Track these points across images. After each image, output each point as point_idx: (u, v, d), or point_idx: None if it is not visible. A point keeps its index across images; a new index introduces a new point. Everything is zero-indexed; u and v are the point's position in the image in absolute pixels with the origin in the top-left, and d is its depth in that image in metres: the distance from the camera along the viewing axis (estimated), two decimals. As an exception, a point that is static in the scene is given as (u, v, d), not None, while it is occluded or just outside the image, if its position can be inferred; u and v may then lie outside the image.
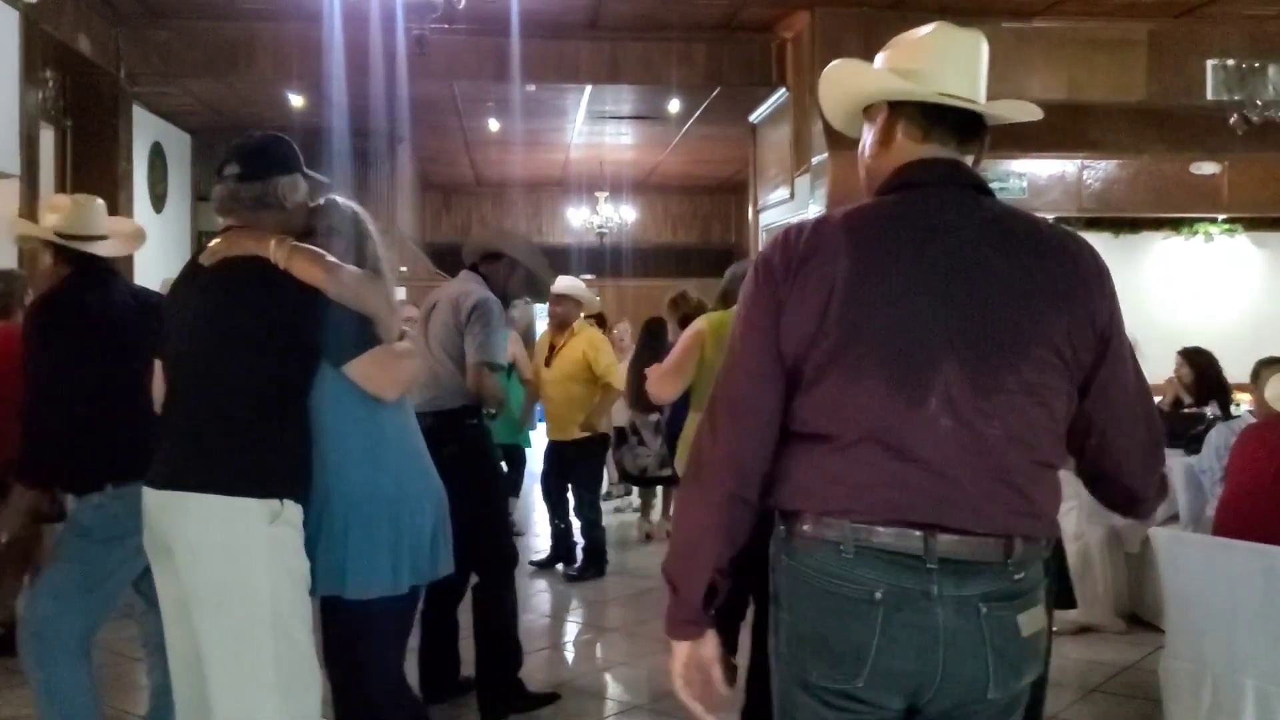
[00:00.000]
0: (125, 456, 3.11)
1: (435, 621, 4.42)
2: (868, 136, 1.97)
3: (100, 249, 3.44)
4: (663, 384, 4.23)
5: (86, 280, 3.40)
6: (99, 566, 3.32)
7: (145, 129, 11.24)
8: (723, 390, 1.87)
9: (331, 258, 2.69)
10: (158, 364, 2.89)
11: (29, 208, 8.59)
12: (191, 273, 2.82)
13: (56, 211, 3.44)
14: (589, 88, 10.91)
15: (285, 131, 2.91)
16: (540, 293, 5.12)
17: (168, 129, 12.12)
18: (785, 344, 1.81)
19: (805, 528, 1.79)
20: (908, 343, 1.75)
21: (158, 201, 11.84)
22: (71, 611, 3.31)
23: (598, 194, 16.17)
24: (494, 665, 4.31)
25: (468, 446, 4.21)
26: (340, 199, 2.94)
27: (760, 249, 1.93)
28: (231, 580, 2.57)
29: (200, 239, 13.38)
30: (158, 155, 11.85)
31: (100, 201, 3.58)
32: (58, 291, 3.38)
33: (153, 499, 2.68)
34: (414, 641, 3.08)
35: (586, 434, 7.11)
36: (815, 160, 9.51)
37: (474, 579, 4.31)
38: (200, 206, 13.31)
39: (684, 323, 5.62)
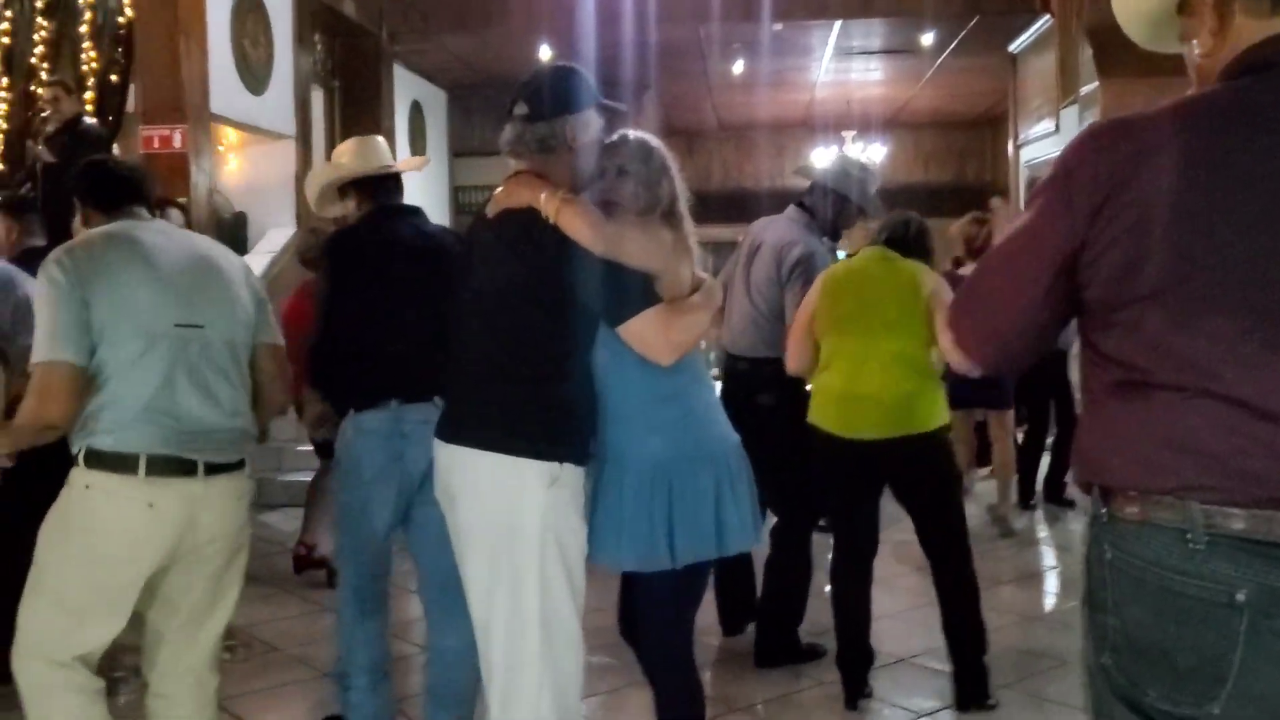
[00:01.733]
0: (400, 379, 3.18)
1: (731, 562, 4.40)
2: (1196, 34, 1.60)
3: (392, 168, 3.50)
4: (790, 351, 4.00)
5: (377, 216, 3.43)
6: (356, 508, 3.34)
7: (405, 87, 11.68)
8: (975, 291, 1.68)
9: (597, 216, 2.52)
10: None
11: (304, 166, 9.10)
12: (478, 224, 2.78)
13: (342, 156, 3.53)
14: (838, 23, 10.57)
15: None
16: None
17: (426, 87, 12.56)
18: (1087, 273, 1.51)
19: (1132, 509, 1.48)
20: (1267, 273, 1.41)
21: (418, 157, 12.31)
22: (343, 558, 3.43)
23: (844, 133, 15.74)
24: (774, 615, 4.27)
25: (784, 398, 4.09)
26: (633, 134, 2.72)
27: (1063, 152, 1.61)
28: (503, 538, 2.54)
29: (457, 194, 13.87)
30: (417, 112, 12.32)
31: (380, 138, 3.65)
32: (355, 224, 3.46)
33: (441, 451, 2.67)
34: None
35: None
36: (1084, 90, 8.89)
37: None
38: (456, 161, 13.78)
39: (954, 266, 5.33)
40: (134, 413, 2.52)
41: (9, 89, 8.48)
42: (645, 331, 2.52)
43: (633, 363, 2.59)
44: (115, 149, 7.70)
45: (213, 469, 2.61)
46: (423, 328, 3.02)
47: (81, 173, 2.88)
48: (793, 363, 3.97)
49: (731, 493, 2.67)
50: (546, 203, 2.48)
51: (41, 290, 2.55)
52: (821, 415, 3.83)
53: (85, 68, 8.30)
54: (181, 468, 2.56)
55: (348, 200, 3.47)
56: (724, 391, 4.18)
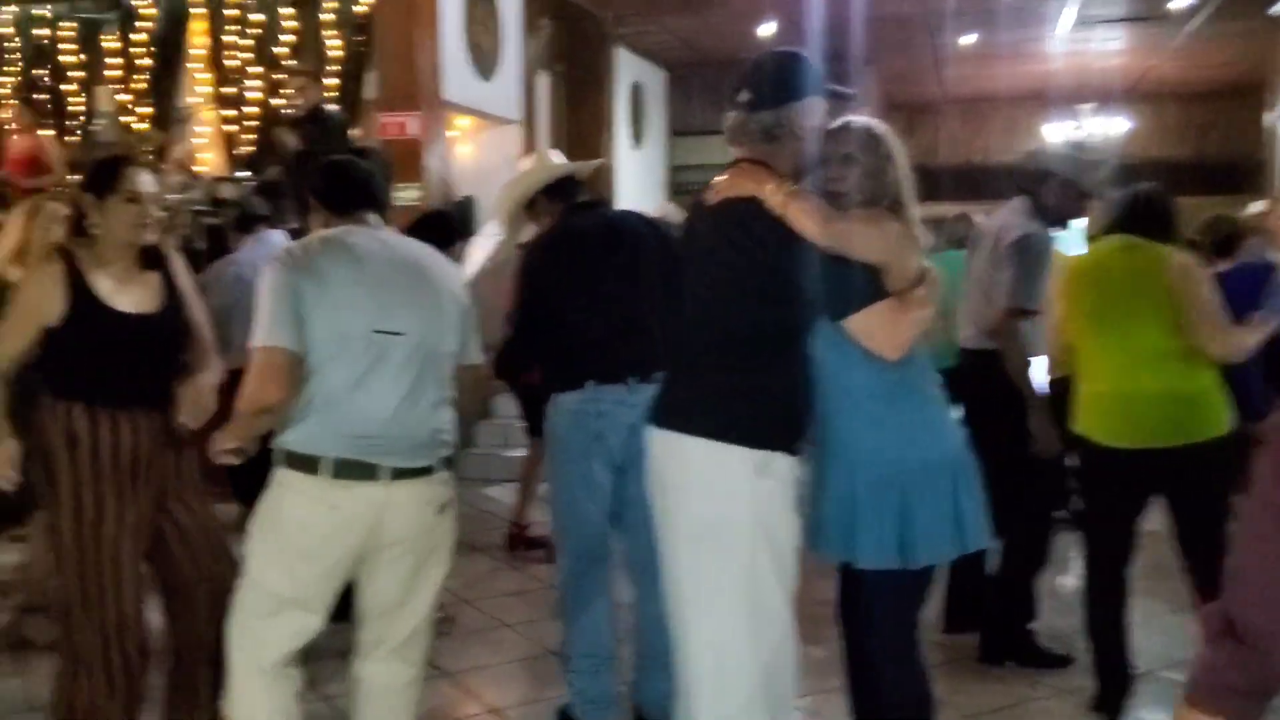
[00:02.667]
0: (596, 362, 3.28)
1: (963, 557, 4.26)
2: None
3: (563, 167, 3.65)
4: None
5: (570, 209, 3.56)
6: (565, 487, 3.45)
7: (627, 69, 11.77)
8: None
9: (826, 212, 2.44)
10: None
11: (530, 149, 9.27)
12: (696, 211, 2.75)
13: (531, 170, 3.68)
14: (1081, -9, 10.00)
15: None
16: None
17: (646, 68, 12.62)
18: None
19: None
20: None
21: (637, 139, 12.40)
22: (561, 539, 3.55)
23: (1081, 106, 14.92)
24: (1002, 608, 4.09)
25: (1005, 390, 3.89)
26: (858, 121, 2.65)
27: None
28: (711, 527, 2.51)
29: (675, 174, 13.91)
30: (637, 94, 12.39)
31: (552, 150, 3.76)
32: (550, 230, 3.56)
33: (651, 436, 2.68)
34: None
35: None
36: (1361, 53, 8.11)
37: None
38: (675, 141, 13.82)
39: (1222, 250, 4.91)
40: (323, 415, 2.58)
41: (260, 78, 9.00)
42: (871, 327, 2.46)
43: (858, 356, 2.52)
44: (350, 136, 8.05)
45: (399, 474, 2.61)
46: (616, 312, 3.09)
47: (320, 172, 2.95)
48: (1053, 368, 3.85)
49: (967, 490, 2.60)
50: (773, 195, 2.44)
51: (265, 281, 2.65)
52: (1090, 425, 3.58)
53: (327, 56, 8.72)
54: (365, 472, 2.59)
55: (538, 211, 3.58)
56: (949, 385, 4.03)
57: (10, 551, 5.23)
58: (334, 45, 8.75)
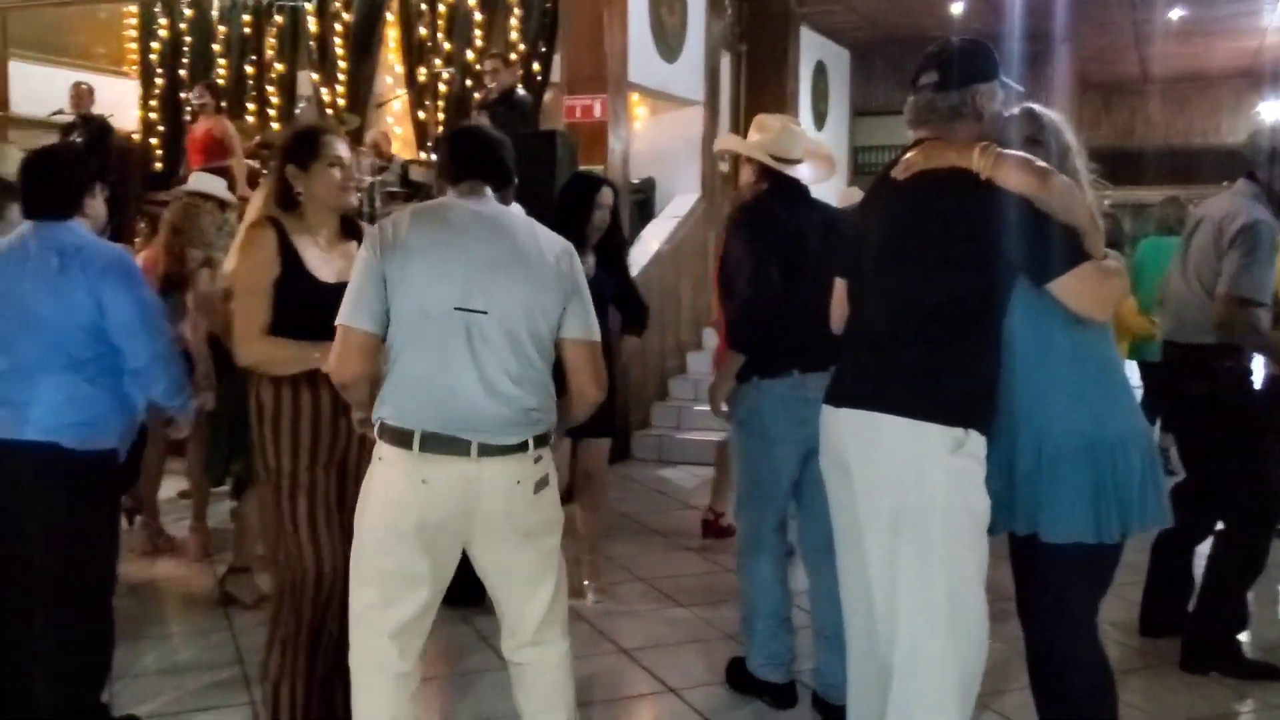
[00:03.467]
0: (801, 351, 3.32)
1: (1165, 559, 4.12)
2: None
3: (797, 172, 3.59)
4: None
5: (779, 197, 3.58)
6: (762, 465, 3.52)
7: (810, 48, 11.62)
8: None
9: (1042, 163, 2.46)
10: (838, 284, 2.85)
11: (711, 131, 9.26)
12: (882, 187, 2.71)
13: (764, 132, 3.62)
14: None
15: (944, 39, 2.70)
16: None
17: (829, 47, 12.44)
18: None
19: None
20: None
21: (819, 119, 12.23)
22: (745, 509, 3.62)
23: (1297, 85, 13.97)
24: (1208, 616, 3.90)
25: (1222, 387, 3.73)
26: (1037, 107, 2.69)
27: None
28: (907, 507, 2.47)
29: (857, 154, 13.68)
30: (820, 73, 12.22)
31: (800, 128, 3.68)
32: (754, 203, 3.60)
33: (832, 417, 2.65)
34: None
35: None
36: None
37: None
38: (856, 121, 13.58)
39: None
40: (412, 390, 2.56)
41: (450, 63, 9.24)
42: (1081, 286, 2.46)
43: (1059, 324, 2.51)
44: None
45: (488, 450, 2.55)
46: (820, 303, 3.04)
47: (444, 140, 2.92)
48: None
49: (1152, 465, 2.59)
50: (980, 157, 2.44)
51: (358, 257, 2.65)
52: None
53: (514, 39, 8.89)
54: (454, 447, 2.54)
55: (748, 169, 3.63)
56: (1151, 380, 3.84)
57: (222, 512, 5.55)
58: (522, 29, 8.91)
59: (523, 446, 2.60)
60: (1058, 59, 12.48)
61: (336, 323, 2.60)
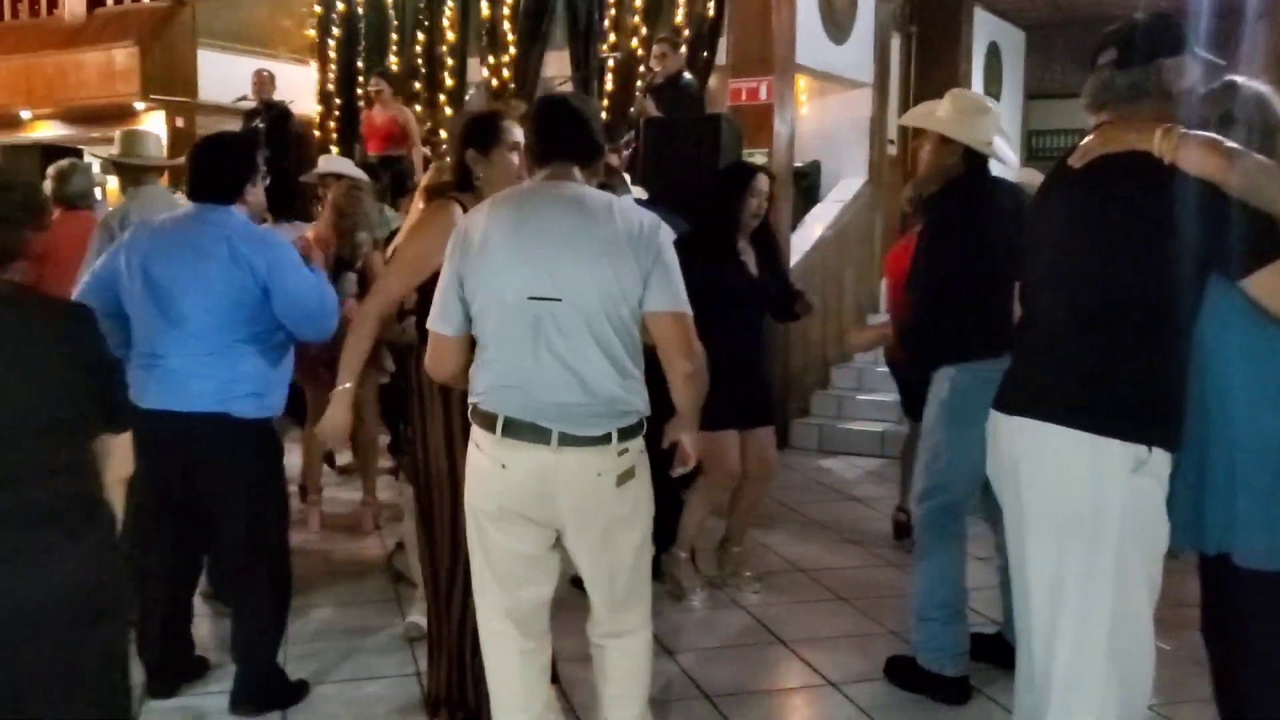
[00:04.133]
0: (1004, 334, 3.16)
1: None
2: None
3: (996, 153, 3.49)
4: None
5: (980, 180, 3.48)
6: (959, 450, 3.41)
7: (983, 29, 11.23)
8: None
9: (1231, 144, 2.24)
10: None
11: (879, 113, 9.06)
12: (1058, 176, 2.54)
13: (964, 112, 3.50)
14: None
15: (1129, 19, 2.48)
16: None
17: (1003, 27, 12.00)
18: None
19: None
20: None
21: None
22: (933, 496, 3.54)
23: None
24: None
25: None
26: (1241, 80, 2.46)
27: None
28: (1076, 526, 2.32)
29: (1031, 139, 13.19)
30: (993, 55, 11.81)
31: (995, 111, 3.56)
32: (962, 186, 3.48)
33: (1002, 424, 2.50)
34: None
35: None
36: None
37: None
38: (1030, 105, 13.09)
39: None
40: (497, 378, 2.54)
41: (615, 47, 9.26)
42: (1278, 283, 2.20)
43: (1257, 330, 2.27)
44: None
45: (568, 440, 2.50)
46: (1012, 287, 2.93)
47: (529, 117, 2.83)
48: None
49: None
50: (1162, 140, 2.22)
51: (446, 252, 2.63)
52: None
53: (680, 23, 8.84)
54: (532, 434, 2.50)
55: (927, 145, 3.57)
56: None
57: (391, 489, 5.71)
58: (689, 12, 8.86)
59: (605, 439, 2.54)
60: (1255, 37, 11.76)
61: (428, 324, 2.64)
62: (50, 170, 5.17)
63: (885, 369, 6.17)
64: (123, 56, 9.86)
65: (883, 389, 7.30)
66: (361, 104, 10.27)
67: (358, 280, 4.77)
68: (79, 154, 8.52)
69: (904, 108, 10.07)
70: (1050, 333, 2.45)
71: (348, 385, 3.15)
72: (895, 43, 9.74)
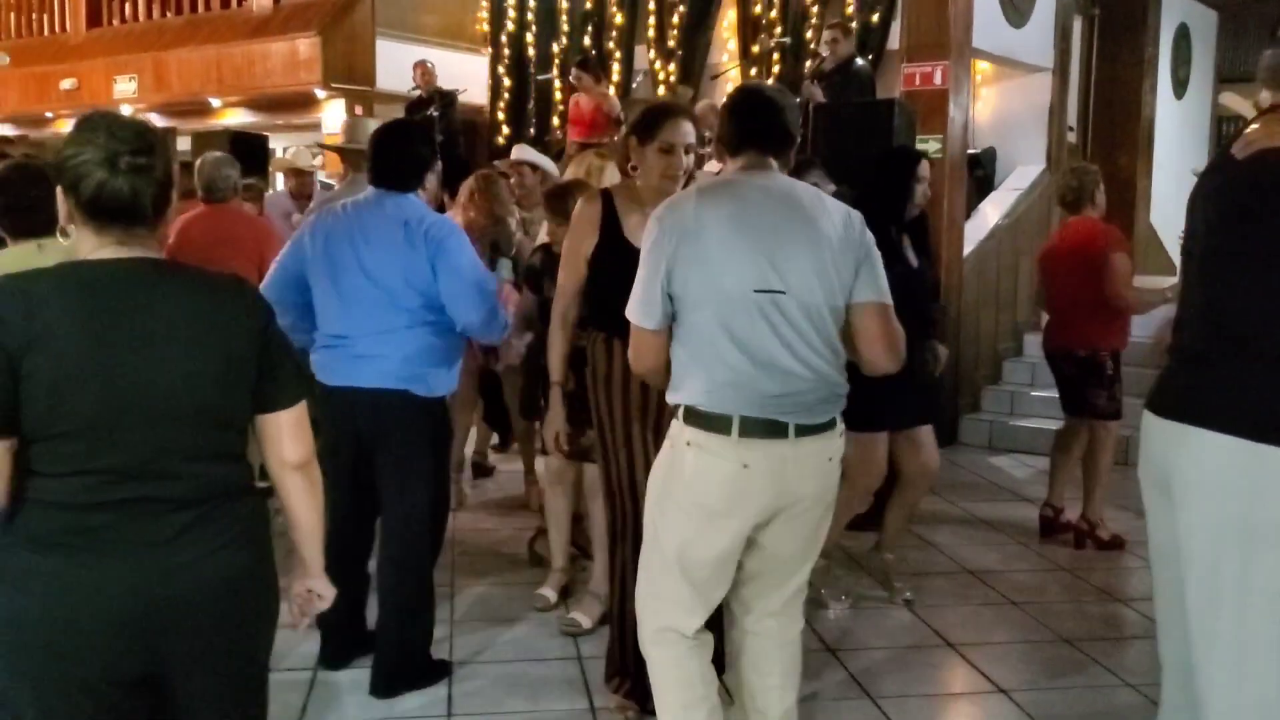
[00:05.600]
0: None
1: None
2: None
3: None
4: None
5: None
6: None
7: (1172, 10, 10.67)
8: None
9: None
10: None
11: (1059, 99, 8.71)
12: (1219, 166, 2.36)
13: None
14: None
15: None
16: None
17: (1194, 8, 11.37)
18: None
19: None
20: None
21: (1179, 87, 11.23)
22: None
23: None
24: None
25: None
26: None
27: None
28: (1235, 541, 2.14)
29: (1220, 126, 12.49)
30: (1182, 37, 11.20)
31: None
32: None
33: (1156, 427, 2.33)
34: None
35: None
36: None
37: None
38: (1222, 90, 12.40)
39: None
40: (722, 375, 2.49)
41: (784, 34, 9.15)
42: None
43: None
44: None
45: (803, 430, 2.51)
46: None
47: (724, 106, 2.77)
48: None
49: None
50: None
51: (644, 245, 2.59)
52: None
53: (849, 9, 8.67)
54: (772, 430, 2.50)
55: None
56: None
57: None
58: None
59: (832, 424, 2.58)
60: None
61: (627, 315, 2.61)
62: (197, 162, 5.36)
63: (1042, 392, 5.95)
64: (306, 46, 10.23)
65: (1041, 414, 7.05)
66: (531, 92, 10.50)
67: (511, 267, 4.86)
68: (264, 140, 8.90)
69: (1085, 94, 9.67)
70: (1206, 334, 2.28)
71: (556, 382, 3.37)
72: (1077, 25, 9.33)
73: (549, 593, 4.22)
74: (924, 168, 4.31)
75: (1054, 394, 7.14)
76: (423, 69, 9.79)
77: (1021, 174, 8.62)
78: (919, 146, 6.41)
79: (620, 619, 3.27)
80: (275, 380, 1.95)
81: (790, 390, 2.49)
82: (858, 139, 5.87)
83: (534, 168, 5.79)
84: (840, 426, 2.62)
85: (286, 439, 1.99)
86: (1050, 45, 8.69)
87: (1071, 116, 9.12)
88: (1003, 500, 6.07)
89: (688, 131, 3.15)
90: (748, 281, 2.46)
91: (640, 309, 2.57)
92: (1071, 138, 9.16)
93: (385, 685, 3.47)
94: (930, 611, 4.30)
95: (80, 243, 1.84)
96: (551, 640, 3.90)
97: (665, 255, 2.51)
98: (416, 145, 3.52)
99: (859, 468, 4.06)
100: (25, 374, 1.73)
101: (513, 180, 5.52)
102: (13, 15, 13.22)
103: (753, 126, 2.64)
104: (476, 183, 5.19)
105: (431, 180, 3.55)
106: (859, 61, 7.70)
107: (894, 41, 8.16)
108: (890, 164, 4.43)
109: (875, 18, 8.61)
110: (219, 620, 1.88)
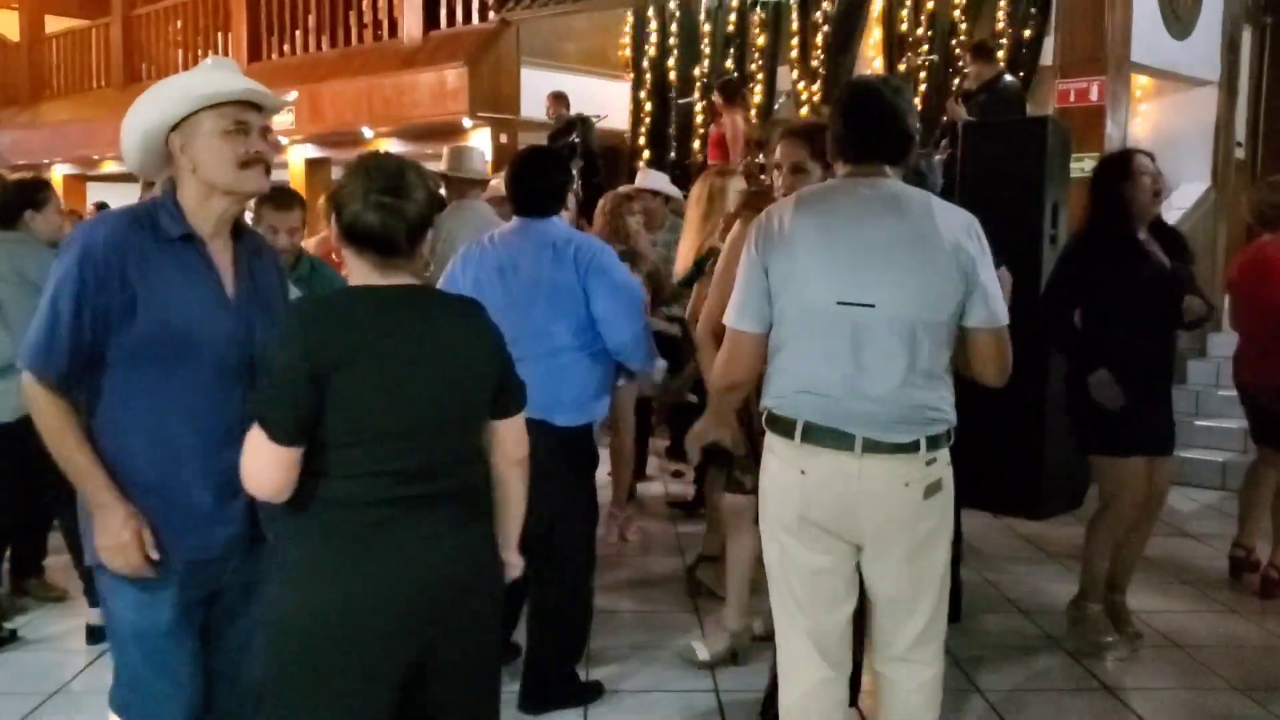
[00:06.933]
0: None
1: None
2: None
3: None
4: None
5: None
6: None
7: (1351, 17, 10.07)
8: None
9: None
10: None
11: (1226, 114, 8.28)
12: None
13: None
14: None
15: None
16: None
17: (1376, 14, 10.72)
18: None
19: None
20: None
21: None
22: None
23: None
24: None
25: None
26: None
27: None
28: None
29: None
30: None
31: None
32: None
33: None
34: None
35: None
36: None
37: None
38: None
39: None
40: (796, 383, 2.43)
41: (931, 52, 8.95)
42: None
43: None
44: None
45: (872, 446, 2.38)
46: None
47: (834, 112, 2.62)
48: None
49: None
50: None
51: (743, 253, 2.54)
52: None
53: (1001, 26, 8.43)
54: (836, 439, 2.39)
55: None
56: None
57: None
58: (1011, 13, 8.44)
59: (913, 446, 2.40)
60: None
61: (724, 320, 2.56)
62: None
63: (1229, 392, 5.56)
64: (453, 76, 10.45)
65: (1226, 414, 6.63)
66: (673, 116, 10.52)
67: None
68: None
69: (1254, 108, 9.18)
70: None
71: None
72: (1246, 36, 8.88)
73: (704, 653, 3.85)
74: (1140, 161, 3.99)
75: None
76: (552, 100, 9.86)
77: (1185, 192, 8.21)
78: (1073, 165, 6.16)
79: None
80: (508, 391, 2.21)
81: (863, 405, 2.38)
82: (1008, 159, 5.67)
83: (654, 193, 5.84)
84: (933, 453, 2.43)
85: (513, 441, 2.25)
86: (1216, 57, 8.28)
87: (1240, 132, 8.65)
88: (1164, 535, 5.70)
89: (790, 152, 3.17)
90: (832, 293, 2.38)
91: (736, 312, 2.52)
92: (1240, 154, 8.70)
93: (535, 701, 3.47)
94: (1122, 679, 3.93)
95: (352, 268, 2.07)
96: (687, 670, 3.82)
97: (760, 262, 2.47)
98: (552, 170, 3.56)
99: (1115, 496, 3.93)
100: (330, 390, 1.94)
101: (635, 205, 5.51)
102: (180, 52, 13.90)
103: (868, 131, 2.51)
104: (606, 204, 5.23)
105: (572, 202, 3.58)
106: (1007, 78, 7.47)
107: (1047, 57, 7.90)
108: (1103, 170, 4.12)
109: (1027, 33, 8.34)
110: (478, 602, 2.11)
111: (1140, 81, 8.27)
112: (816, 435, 2.41)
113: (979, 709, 3.57)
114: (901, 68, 9.24)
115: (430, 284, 2.51)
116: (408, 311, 2.04)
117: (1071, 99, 6.90)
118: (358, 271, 2.06)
